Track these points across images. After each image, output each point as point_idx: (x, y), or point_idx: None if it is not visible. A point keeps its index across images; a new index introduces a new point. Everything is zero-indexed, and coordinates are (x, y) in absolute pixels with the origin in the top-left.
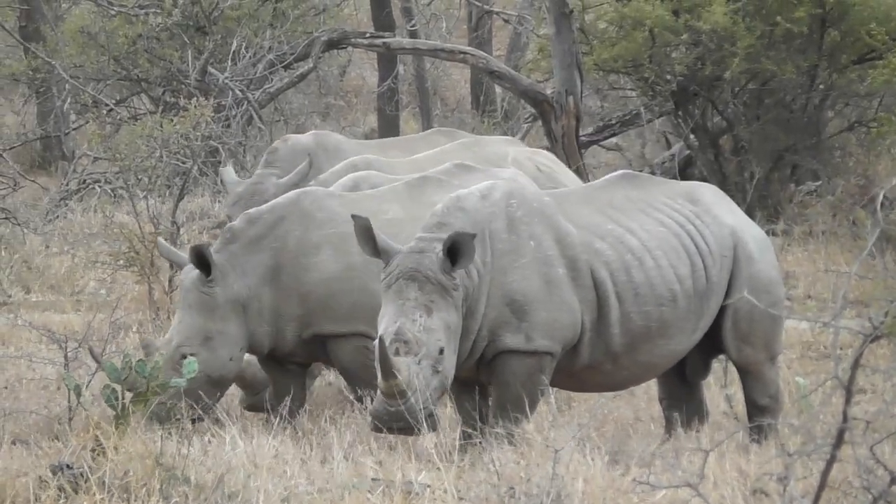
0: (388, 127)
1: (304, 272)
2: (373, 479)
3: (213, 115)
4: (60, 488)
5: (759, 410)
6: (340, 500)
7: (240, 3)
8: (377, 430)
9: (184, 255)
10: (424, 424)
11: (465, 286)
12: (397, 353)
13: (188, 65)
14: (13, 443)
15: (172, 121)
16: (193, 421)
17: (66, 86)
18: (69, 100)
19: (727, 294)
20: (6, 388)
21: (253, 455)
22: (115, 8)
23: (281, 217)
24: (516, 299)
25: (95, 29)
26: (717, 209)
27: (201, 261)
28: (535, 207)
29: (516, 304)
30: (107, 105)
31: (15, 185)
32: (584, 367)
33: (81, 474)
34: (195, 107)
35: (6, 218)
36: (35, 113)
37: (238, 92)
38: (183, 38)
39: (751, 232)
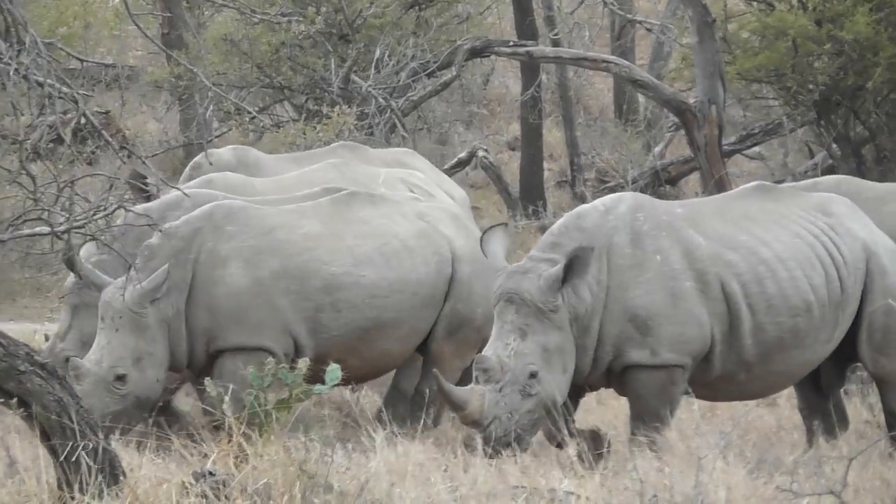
0: (531, 136)
1: (213, 285)
2: (515, 486)
3: (356, 123)
4: (202, 495)
5: None
6: None
7: (383, 11)
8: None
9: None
10: (510, 448)
11: (573, 305)
12: (477, 381)
13: (331, 73)
14: (157, 449)
15: (315, 129)
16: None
17: (209, 93)
18: (212, 107)
19: (861, 306)
20: None
21: (396, 463)
22: (258, 16)
23: (196, 229)
24: (639, 315)
25: (238, 36)
26: (850, 222)
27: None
28: (664, 220)
29: (639, 320)
30: (249, 113)
31: (157, 192)
32: (718, 378)
33: (224, 481)
34: (338, 115)
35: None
36: (177, 120)
37: (381, 100)
38: (326, 45)
39: (883, 244)
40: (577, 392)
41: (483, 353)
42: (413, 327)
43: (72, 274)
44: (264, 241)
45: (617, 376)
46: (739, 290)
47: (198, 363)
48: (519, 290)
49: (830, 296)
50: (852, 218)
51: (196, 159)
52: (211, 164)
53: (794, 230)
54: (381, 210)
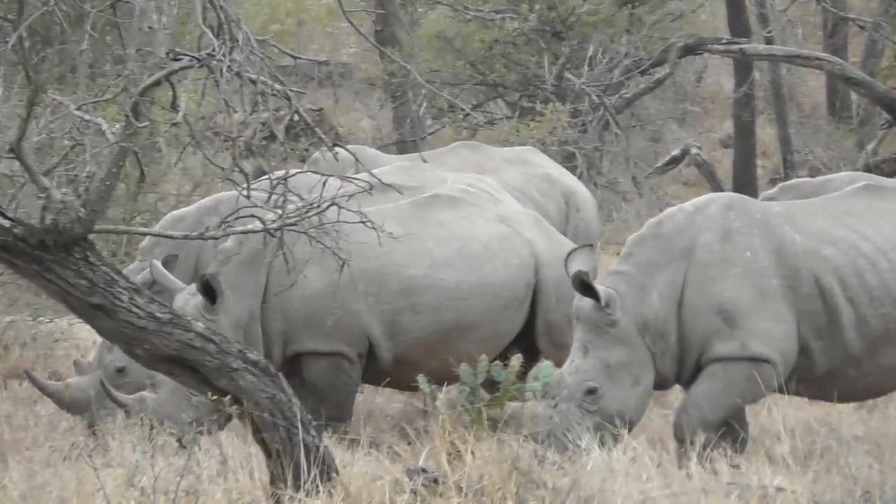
0: (744, 133)
1: (289, 289)
2: (728, 483)
3: (569, 120)
4: (415, 492)
5: None
6: None
7: (596, 8)
8: None
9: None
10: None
11: (642, 314)
12: (534, 396)
13: (544, 70)
14: (370, 446)
15: (529, 125)
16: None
17: (422, 90)
18: (425, 104)
19: None
20: (361, 393)
21: (609, 460)
22: (472, 13)
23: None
24: (726, 308)
25: (451, 34)
26: None
27: (206, 289)
28: (757, 218)
29: (727, 314)
30: (463, 110)
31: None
32: (826, 375)
33: (437, 479)
34: (551, 112)
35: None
36: (391, 118)
37: (594, 97)
38: (539, 43)
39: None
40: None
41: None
42: (494, 331)
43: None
44: (342, 244)
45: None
46: (837, 284)
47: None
48: (579, 307)
49: None
50: None
51: (314, 155)
52: (337, 160)
53: None
54: (461, 212)
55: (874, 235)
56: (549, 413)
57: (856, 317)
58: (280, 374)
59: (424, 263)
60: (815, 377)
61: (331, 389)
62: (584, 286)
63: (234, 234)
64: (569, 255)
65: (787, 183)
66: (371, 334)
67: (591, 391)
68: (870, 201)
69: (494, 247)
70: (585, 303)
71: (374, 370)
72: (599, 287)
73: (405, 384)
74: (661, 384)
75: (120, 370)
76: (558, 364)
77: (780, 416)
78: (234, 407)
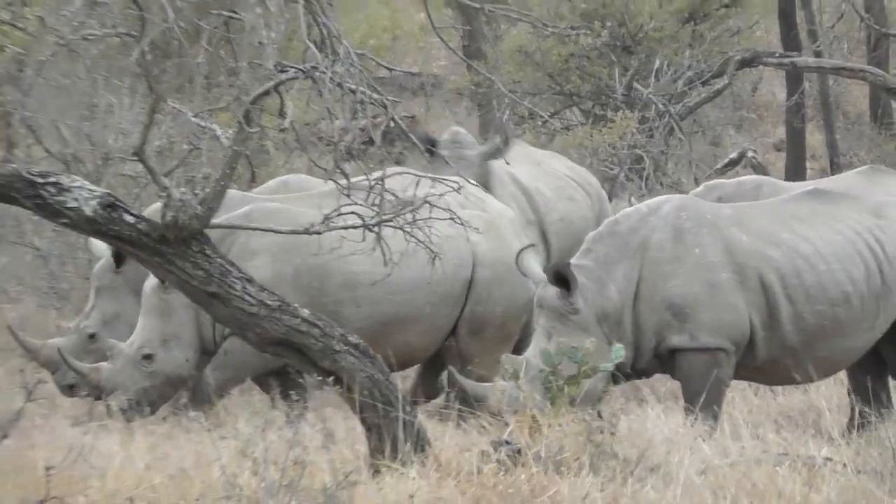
0: (795, 138)
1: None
2: (779, 454)
3: (637, 126)
4: (500, 461)
5: None
6: (750, 473)
7: (662, 25)
8: None
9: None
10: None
11: (601, 305)
12: (503, 377)
13: (615, 81)
14: (459, 421)
15: (601, 131)
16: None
17: (505, 99)
18: (508, 112)
19: None
20: None
21: (672, 432)
22: (550, 29)
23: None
24: (676, 303)
25: (532, 48)
26: None
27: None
28: (708, 219)
29: (677, 308)
30: (542, 117)
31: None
32: (767, 362)
33: (519, 450)
34: (621, 119)
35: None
36: (477, 124)
37: (660, 105)
38: (611, 56)
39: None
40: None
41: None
42: (431, 324)
43: (100, 259)
44: (289, 240)
45: (667, 363)
46: (778, 282)
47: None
48: (544, 296)
49: (870, 287)
50: None
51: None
52: (508, 164)
53: (838, 228)
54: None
55: (815, 238)
56: (516, 393)
57: (793, 312)
58: (377, 357)
59: (367, 260)
60: (756, 365)
61: (257, 368)
62: (560, 277)
63: (335, 229)
64: (519, 253)
65: (709, 182)
66: None
67: (146, 356)
68: (815, 205)
69: (436, 246)
70: (550, 292)
71: None
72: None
73: None
74: (617, 369)
75: (91, 336)
76: (470, 352)
77: (825, 393)
78: (337, 386)
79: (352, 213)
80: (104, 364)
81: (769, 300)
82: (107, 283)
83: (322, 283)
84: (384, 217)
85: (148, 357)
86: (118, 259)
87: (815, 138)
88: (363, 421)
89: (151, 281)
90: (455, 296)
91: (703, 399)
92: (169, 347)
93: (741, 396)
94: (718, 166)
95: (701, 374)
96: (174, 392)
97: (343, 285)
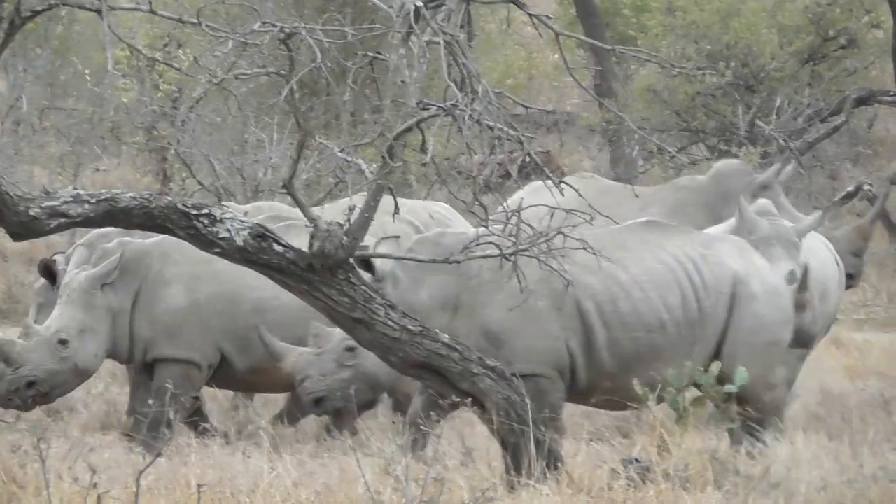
0: None
1: (155, 303)
2: None
3: (760, 161)
4: (630, 478)
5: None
6: (868, 490)
7: (783, 66)
8: None
9: None
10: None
11: (409, 302)
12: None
13: (739, 118)
14: (590, 440)
15: None
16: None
17: (635, 136)
18: (637, 148)
19: (726, 326)
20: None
21: (792, 451)
22: (677, 69)
23: (146, 253)
24: (492, 330)
25: (660, 87)
26: (727, 256)
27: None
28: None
29: (492, 334)
30: (669, 152)
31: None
32: (588, 388)
33: (648, 467)
34: (745, 154)
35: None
36: (608, 159)
37: (781, 141)
38: (734, 95)
39: (761, 278)
40: None
41: None
42: None
43: (41, 278)
44: (200, 270)
45: None
46: (594, 309)
47: (137, 366)
48: None
49: (686, 316)
50: (732, 253)
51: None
52: (563, 194)
53: (661, 257)
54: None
55: (634, 266)
56: (311, 359)
57: (609, 339)
58: (513, 379)
59: (273, 286)
60: (579, 390)
61: (184, 392)
62: (366, 263)
63: (473, 258)
64: (378, 241)
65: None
66: (223, 348)
67: (349, 349)
68: (644, 235)
69: None
70: (364, 275)
71: (230, 377)
72: (379, 266)
73: (262, 389)
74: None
75: (62, 342)
76: None
77: None
78: (475, 407)
79: (489, 242)
80: (17, 339)
81: (586, 327)
82: (50, 300)
83: (233, 310)
84: (520, 247)
85: (63, 342)
86: (52, 279)
87: None
88: (500, 440)
89: (80, 276)
90: None
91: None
92: (84, 338)
93: (859, 416)
94: (836, 199)
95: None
96: (76, 385)
97: (253, 311)
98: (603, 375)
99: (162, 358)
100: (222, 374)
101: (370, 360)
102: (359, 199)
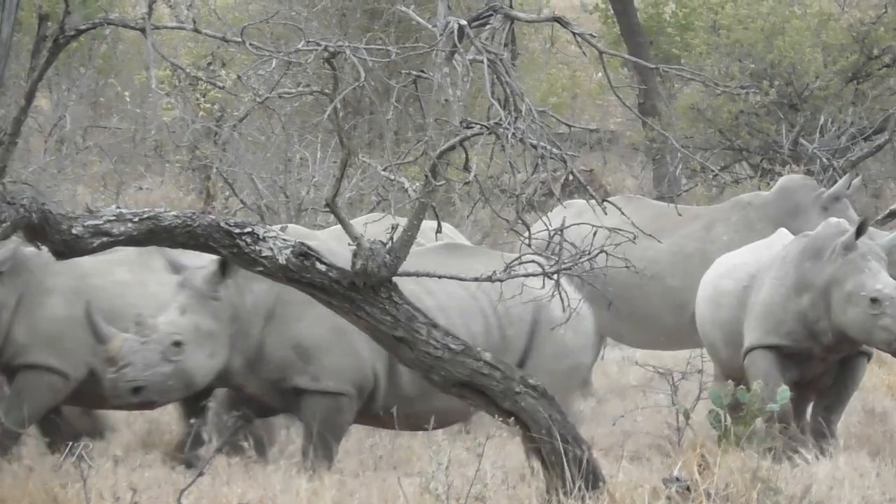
0: None
1: (35, 309)
2: None
3: None
4: (670, 498)
5: None
6: None
7: (826, 84)
8: None
9: None
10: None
11: (234, 305)
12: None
13: (782, 136)
14: (631, 459)
15: (769, 184)
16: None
17: (678, 154)
18: (680, 166)
19: (527, 352)
20: (623, 416)
21: (834, 469)
22: (721, 88)
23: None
24: (302, 344)
25: (703, 105)
26: (529, 280)
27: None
28: None
29: (301, 349)
30: (712, 171)
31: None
32: (385, 411)
33: (689, 486)
34: (788, 172)
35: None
36: (651, 177)
37: (825, 160)
38: (778, 113)
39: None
40: None
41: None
42: None
43: None
44: (80, 283)
45: (292, 401)
46: None
47: None
48: (189, 278)
49: (489, 342)
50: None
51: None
52: (606, 213)
53: (466, 284)
54: (194, 261)
55: (439, 292)
56: (135, 347)
57: None
58: (555, 399)
59: (151, 304)
60: (374, 412)
61: (45, 401)
62: (223, 264)
63: (516, 276)
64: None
65: None
66: (92, 363)
67: (177, 343)
68: (446, 259)
69: None
70: (197, 275)
71: (95, 393)
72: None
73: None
74: (225, 376)
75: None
76: None
77: None
78: (517, 425)
79: (532, 261)
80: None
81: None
82: None
83: (112, 324)
84: (563, 266)
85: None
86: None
87: None
88: (540, 458)
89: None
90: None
91: (318, 440)
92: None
93: None
94: (879, 217)
95: (323, 416)
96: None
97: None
98: (401, 400)
99: (33, 364)
100: (87, 389)
101: (193, 359)
102: (362, 220)
